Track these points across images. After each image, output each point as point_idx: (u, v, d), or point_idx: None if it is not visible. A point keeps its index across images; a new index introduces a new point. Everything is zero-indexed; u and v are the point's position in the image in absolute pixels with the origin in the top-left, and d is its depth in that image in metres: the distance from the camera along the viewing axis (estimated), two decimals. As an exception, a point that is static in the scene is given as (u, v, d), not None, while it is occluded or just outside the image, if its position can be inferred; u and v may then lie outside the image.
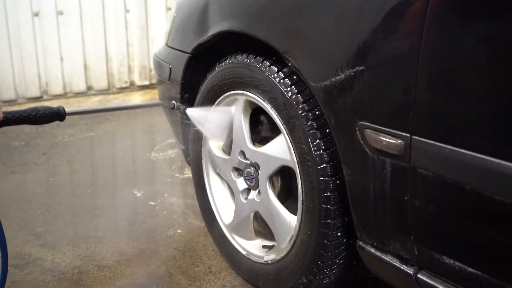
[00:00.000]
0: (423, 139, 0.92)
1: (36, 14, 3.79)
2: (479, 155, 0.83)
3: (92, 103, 3.94)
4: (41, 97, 3.97)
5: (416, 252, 1.01)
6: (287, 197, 1.47)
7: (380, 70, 0.98)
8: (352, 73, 1.03)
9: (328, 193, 1.19)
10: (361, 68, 1.01)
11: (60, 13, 3.90)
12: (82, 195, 2.23)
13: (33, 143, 2.94)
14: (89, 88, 4.17)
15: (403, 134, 0.95)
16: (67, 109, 1.28)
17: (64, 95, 4.07)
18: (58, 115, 1.27)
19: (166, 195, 2.21)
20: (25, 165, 2.58)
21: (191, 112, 1.59)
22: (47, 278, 1.58)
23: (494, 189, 0.83)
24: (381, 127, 0.99)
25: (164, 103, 1.63)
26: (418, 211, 0.97)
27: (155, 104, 1.62)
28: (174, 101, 1.62)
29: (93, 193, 2.26)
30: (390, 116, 0.97)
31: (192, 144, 1.70)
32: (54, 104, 3.85)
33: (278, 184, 1.45)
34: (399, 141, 0.96)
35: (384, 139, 0.99)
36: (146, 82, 4.41)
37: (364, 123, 1.03)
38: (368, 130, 1.02)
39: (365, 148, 1.04)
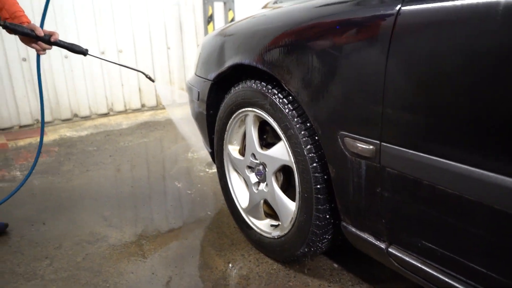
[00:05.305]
0: (389, 145, 0.87)
1: (103, 52, 3.79)
2: (433, 157, 0.79)
3: (145, 116, 3.93)
4: (108, 113, 3.97)
5: (386, 231, 0.96)
6: (287, 187, 1.43)
7: (355, 93, 0.93)
8: (334, 95, 0.99)
9: (319, 186, 1.14)
10: (340, 91, 0.97)
11: (120, 51, 3.90)
12: (138, 186, 2.22)
13: (102, 148, 2.94)
14: (142, 105, 4.16)
15: (374, 141, 0.90)
16: (91, 53, 1.68)
17: (124, 111, 4.07)
18: (83, 52, 1.64)
19: (199, 185, 2.18)
20: (97, 165, 2.58)
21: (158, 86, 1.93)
22: (112, 251, 1.56)
23: (445, 184, 0.78)
24: (357, 136, 0.94)
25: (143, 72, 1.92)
26: (387, 200, 0.92)
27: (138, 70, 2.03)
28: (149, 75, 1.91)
29: (146, 185, 2.25)
30: (364, 128, 0.92)
31: (216, 148, 1.66)
32: (118, 118, 3.87)
33: (281, 178, 1.40)
34: (371, 147, 0.91)
35: (359, 145, 0.94)
36: (184, 100, 4.39)
37: (344, 133, 0.98)
38: (347, 138, 0.97)
39: (345, 152, 0.99)
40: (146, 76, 1.90)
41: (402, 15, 0.81)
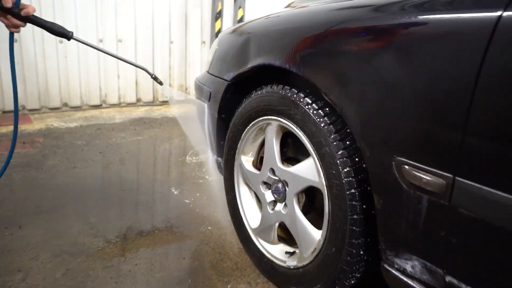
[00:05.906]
0: (467, 181, 0.70)
1: (101, 40, 3.58)
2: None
3: (140, 112, 3.72)
4: (101, 105, 3.75)
5: (445, 284, 0.79)
6: (309, 210, 1.25)
7: (426, 111, 0.76)
8: (393, 112, 0.81)
9: (355, 216, 0.97)
10: (404, 108, 0.79)
11: (120, 40, 3.70)
12: (129, 190, 2.01)
13: (92, 143, 2.72)
14: (138, 100, 3.95)
15: (446, 174, 0.73)
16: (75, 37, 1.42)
17: (118, 105, 3.85)
18: (66, 35, 1.37)
19: (198, 194, 1.98)
20: (85, 162, 2.36)
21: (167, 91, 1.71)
22: (97, 267, 1.36)
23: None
24: (421, 165, 0.77)
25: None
26: (455, 247, 0.75)
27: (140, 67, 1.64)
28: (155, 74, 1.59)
29: (138, 189, 2.04)
30: (433, 156, 0.75)
31: (226, 156, 1.48)
32: (110, 111, 3.65)
33: (303, 199, 1.22)
34: (441, 180, 0.74)
35: (424, 176, 0.76)
36: (183, 98, 4.20)
37: (402, 159, 0.80)
38: (406, 166, 0.80)
39: (401, 182, 0.82)
40: (152, 76, 1.57)
41: (505, 22, 0.64)
